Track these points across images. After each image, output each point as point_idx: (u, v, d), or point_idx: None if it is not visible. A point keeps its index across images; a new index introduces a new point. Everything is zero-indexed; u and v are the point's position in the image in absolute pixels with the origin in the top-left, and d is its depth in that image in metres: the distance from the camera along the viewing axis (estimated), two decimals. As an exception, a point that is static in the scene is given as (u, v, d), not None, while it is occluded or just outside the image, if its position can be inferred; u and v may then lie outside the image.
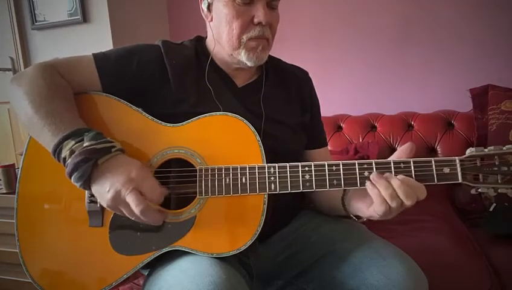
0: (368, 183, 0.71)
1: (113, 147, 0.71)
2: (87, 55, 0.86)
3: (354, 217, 0.83)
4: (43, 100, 0.75)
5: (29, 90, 0.76)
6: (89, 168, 0.67)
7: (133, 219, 0.71)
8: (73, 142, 0.69)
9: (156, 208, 0.72)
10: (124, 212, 0.70)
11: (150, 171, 0.76)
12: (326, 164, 0.74)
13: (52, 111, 0.74)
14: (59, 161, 0.71)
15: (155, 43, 0.91)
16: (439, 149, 1.71)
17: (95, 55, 0.85)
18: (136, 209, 0.67)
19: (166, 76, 0.86)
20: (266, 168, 0.75)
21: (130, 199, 0.67)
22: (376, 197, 0.70)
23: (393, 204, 0.69)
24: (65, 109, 0.75)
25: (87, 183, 0.69)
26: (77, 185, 0.69)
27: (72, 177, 0.69)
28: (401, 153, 0.74)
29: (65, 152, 0.69)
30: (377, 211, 0.71)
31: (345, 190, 0.84)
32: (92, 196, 0.77)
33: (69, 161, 0.68)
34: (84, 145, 0.69)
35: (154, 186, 0.70)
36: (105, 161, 0.69)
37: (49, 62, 0.82)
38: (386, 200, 0.69)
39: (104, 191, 0.68)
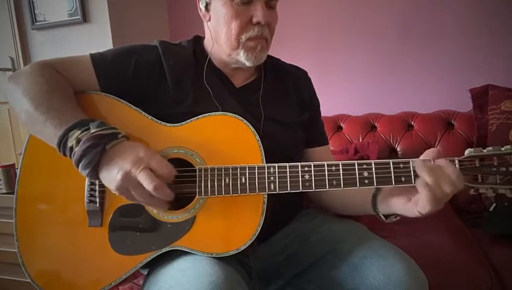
0: (418, 182, 0.69)
1: (119, 133, 0.72)
2: (84, 55, 0.86)
3: (382, 217, 0.80)
4: (43, 96, 0.75)
5: (28, 87, 0.76)
6: (97, 154, 0.67)
7: (140, 200, 0.70)
8: (79, 131, 0.70)
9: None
10: (134, 193, 0.69)
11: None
12: (325, 164, 0.74)
13: (54, 106, 0.74)
14: (64, 152, 0.71)
15: (153, 44, 0.91)
16: (439, 149, 1.71)
17: (92, 55, 0.85)
18: (150, 186, 0.66)
19: (163, 76, 0.86)
20: (266, 168, 0.75)
21: (142, 177, 0.67)
22: (426, 194, 0.68)
23: (436, 191, 0.67)
24: (66, 103, 0.76)
25: (95, 170, 0.68)
26: (85, 173, 0.69)
27: (80, 165, 0.68)
28: (427, 154, 0.73)
29: (71, 141, 0.69)
30: (421, 209, 0.69)
31: (377, 190, 0.82)
32: (92, 195, 0.77)
33: (76, 149, 0.68)
34: (92, 131, 0.69)
35: (164, 162, 0.70)
36: (113, 146, 0.69)
37: (46, 61, 0.82)
38: (435, 195, 0.67)
39: (113, 175, 0.68)
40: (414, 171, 0.71)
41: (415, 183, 0.71)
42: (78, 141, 0.69)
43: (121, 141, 0.71)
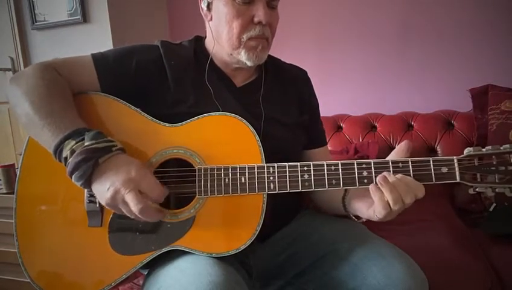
0: (371, 186, 0.72)
1: (114, 146, 0.71)
2: (85, 55, 0.86)
3: (354, 218, 0.84)
4: (42, 100, 0.75)
5: (28, 90, 0.76)
6: (89, 168, 0.68)
7: (132, 217, 0.71)
8: (73, 142, 0.69)
9: (154, 207, 0.72)
10: (124, 211, 0.70)
11: (150, 170, 0.76)
12: (325, 163, 0.74)
13: (52, 111, 0.73)
14: (60, 160, 0.71)
15: (154, 44, 0.91)
16: (439, 149, 1.71)
17: (94, 56, 0.85)
18: (135, 209, 0.67)
19: (165, 76, 0.86)
20: (265, 168, 0.75)
21: (129, 199, 0.67)
22: (379, 201, 0.71)
23: (395, 207, 0.70)
24: (65, 109, 0.75)
25: (87, 183, 0.69)
26: (78, 184, 0.69)
27: (73, 177, 0.69)
28: (398, 151, 0.74)
29: (66, 152, 0.69)
30: (378, 213, 0.72)
31: (346, 190, 0.85)
32: (91, 196, 0.77)
33: (70, 160, 0.69)
34: (85, 144, 0.69)
35: (154, 185, 0.70)
36: (106, 160, 0.69)
37: (47, 62, 0.82)
38: (389, 204, 0.70)
39: (104, 190, 0.68)
40: (412, 170, 0.72)
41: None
42: (72, 152, 0.69)
43: (115, 154, 0.71)
